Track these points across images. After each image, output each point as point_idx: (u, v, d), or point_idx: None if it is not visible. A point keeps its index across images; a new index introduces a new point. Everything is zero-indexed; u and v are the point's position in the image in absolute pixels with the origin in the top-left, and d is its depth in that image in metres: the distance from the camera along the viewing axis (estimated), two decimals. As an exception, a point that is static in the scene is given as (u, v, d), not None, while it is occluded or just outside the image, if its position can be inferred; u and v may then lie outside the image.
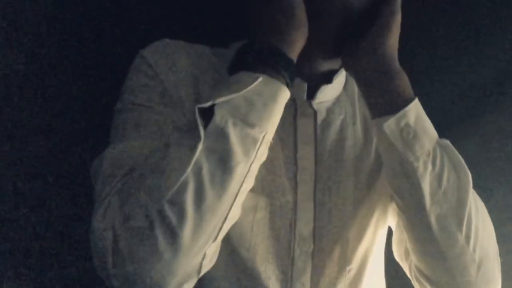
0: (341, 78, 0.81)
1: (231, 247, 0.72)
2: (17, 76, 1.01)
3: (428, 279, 0.75)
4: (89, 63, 1.04)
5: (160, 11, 1.05)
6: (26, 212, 1.03)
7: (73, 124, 1.04)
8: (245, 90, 0.60)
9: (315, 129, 0.79)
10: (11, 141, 1.02)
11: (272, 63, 0.63)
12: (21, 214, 1.03)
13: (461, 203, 0.68)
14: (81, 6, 1.04)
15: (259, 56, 0.63)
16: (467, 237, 0.68)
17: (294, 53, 0.66)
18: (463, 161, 0.70)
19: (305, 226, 0.76)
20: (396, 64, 0.70)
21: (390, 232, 0.88)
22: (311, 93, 0.78)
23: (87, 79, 1.05)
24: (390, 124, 0.67)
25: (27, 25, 1.01)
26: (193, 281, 0.62)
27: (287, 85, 0.64)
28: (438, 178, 0.67)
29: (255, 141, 0.60)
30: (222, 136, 0.58)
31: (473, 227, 0.68)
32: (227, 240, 0.65)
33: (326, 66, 0.77)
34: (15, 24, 1.01)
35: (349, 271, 0.80)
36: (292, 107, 0.77)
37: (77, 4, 1.04)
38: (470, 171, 0.70)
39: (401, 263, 0.87)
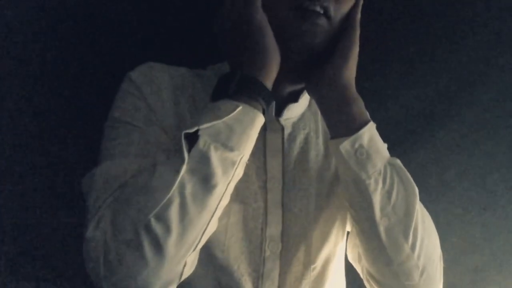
0: (305, 97, 0.83)
1: (207, 249, 0.72)
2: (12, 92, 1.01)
3: (376, 281, 0.77)
4: (81, 83, 1.05)
5: (146, 36, 1.06)
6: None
7: (69, 135, 1.05)
8: (226, 118, 0.62)
9: (283, 143, 0.81)
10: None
11: (250, 92, 0.65)
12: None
13: (408, 216, 0.69)
14: (75, 28, 1.05)
15: (239, 86, 0.65)
16: (413, 246, 0.70)
17: (269, 81, 0.67)
18: (411, 177, 0.72)
19: (274, 229, 0.78)
20: (353, 91, 0.72)
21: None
22: (279, 111, 0.79)
23: (81, 96, 1.05)
24: (345, 145, 0.69)
25: (23, 44, 1.01)
26: (175, 285, 0.64)
27: (263, 112, 0.66)
28: (388, 194, 0.69)
29: (233, 163, 0.62)
30: (204, 159, 0.60)
31: (418, 237, 0.70)
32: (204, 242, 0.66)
33: (292, 87, 0.79)
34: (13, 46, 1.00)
35: (313, 269, 0.80)
36: None
37: (71, 26, 1.04)
38: (418, 182, 0.72)
39: (354, 265, 0.89)
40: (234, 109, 0.62)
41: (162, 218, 0.58)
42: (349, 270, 0.90)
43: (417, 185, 0.72)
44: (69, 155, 1.03)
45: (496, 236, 1.25)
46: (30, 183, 1.03)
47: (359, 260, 0.84)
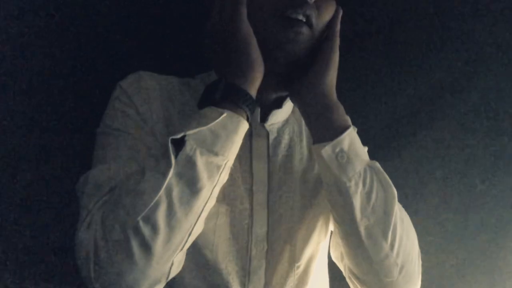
0: (289, 103, 0.83)
1: (197, 249, 0.73)
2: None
3: (358, 278, 0.78)
4: (74, 92, 1.06)
5: (137, 46, 1.07)
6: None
7: (63, 142, 1.06)
8: (211, 124, 0.62)
9: (268, 147, 0.81)
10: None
11: (235, 100, 0.65)
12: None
13: (387, 216, 0.70)
14: (70, 40, 1.05)
15: (224, 94, 0.65)
16: (392, 245, 0.71)
17: (253, 89, 0.68)
18: (389, 180, 0.72)
19: (260, 229, 0.78)
20: (334, 98, 0.73)
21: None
22: (264, 116, 0.80)
23: (74, 104, 1.06)
24: (327, 149, 0.70)
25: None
26: (162, 284, 0.65)
27: (247, 119, 0.67)
28: (367, 195, 0.70)
29: (218, 167, 0.63)
30: (190, 163, 0.60)
31: (397, 236, 0.71)
32: (193, 242, 0.67)
33: (276, 94, 0.80)
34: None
35: (298, 267, 0.81)
36: (248, 129, 0.80)
37: (66, 38, 1.05)
38: (398, 184, 0.73)
39: (337, 264, 0.89)
40: (219, 116, 0.63)
41: (150, 220, 0.58)
42: (332, 268, 0.91)
43: (397, 187, 0.72)
44: (66, 159, 1.04)
45: (474, 235, 1.26)
46: (28, 185, 1.04)
47: (342, 259, 0.86)
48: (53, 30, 1.04)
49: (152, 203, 0.58)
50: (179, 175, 0.60)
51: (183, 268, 0.68)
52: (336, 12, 0.75)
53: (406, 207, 0.77)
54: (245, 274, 0.77)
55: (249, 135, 0.79)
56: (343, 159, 0.70)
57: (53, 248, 1.05)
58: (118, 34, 1.07)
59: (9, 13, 1.01)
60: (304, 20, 0.70)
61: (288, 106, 0.84)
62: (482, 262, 1.27)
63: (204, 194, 0.62)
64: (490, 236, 1.26)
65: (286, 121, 0.85)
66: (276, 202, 0.80)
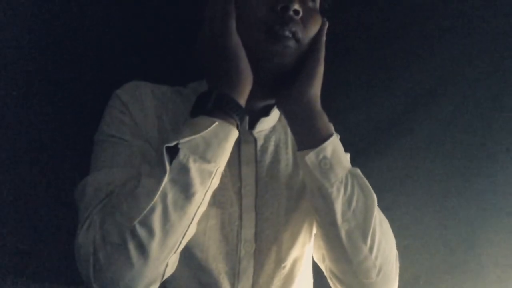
0: (276, 111, 0.85)
1: (189, 250, 0.74)
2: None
3: (338, 279, 0.80)
4: (72, 100, 1.07)
5: (132, 57, 1.09)
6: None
7: (61, 149, 1.07)
8: (204, 132, 0.64)
9: (255, 153, 0.83)
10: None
11: (226, 109, 0.67)
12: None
13: (366, 221, 0.72)
14: (68, 49, 1.07)
15: (216, 103, 0.67)
16: (371, 248, 0.72)
17: (243, 99, 0.70)
18: (369, 186, 0.74)
19: (248, 231, 0.79)
20: (318, 107, 0.75)
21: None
22: (252, 124, 0.82)
23: (72, 112, 1.07)
24: (310, 156, 0.72)
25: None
26: (157, 284, 0.67)
27: (237, 127, 0.69)
28: (348, 200, 0.72)
29: (210, 173, 0.65)
30: (184, 170, 0.62)
31: (376, 240, 0.73)
32: (186, 244, 0.68)
33: (264, 103, 0.82)
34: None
35: (284, 268, 0.82)
36: None
37: (64, 47, 1.06)
38: (378, 189, 0.75)
39: (319, 264, 0.91)
40: (211, 125, 0.65)
41: (146, 224, 0.60)
42: (316, 268, 0.92)
43: (376, 192, 0.75)
44: (64, 165, 1.05)
45: (450, 239, 1.29)
46: (27, 191, 1.05)
47: (323, 260, 0.87)
48: (51, 38, 1.05)
49: (148, 208, 0.60)
50: (173, 181, 0.62)
51: (176, 268, 0.70)
52: (322, 25, 0.77)
53: (385, 211, 0.79)
54: (235, 274, 0.79)
55: (237, 142, 0.79)
56: (326, 166, 0.72)
57: (53, 248, 1.06)
58: (115, 44, 1.08)
59: (6, 19, 1.01)
60: (291, 36, 0.72)
61: (275, 114, 0.86)
62: (458, 263, 1.29)
63: (197, 198, 0.64)
64: (465, 238, 1.29)
65: (273, 129, 0.87)
66: (263, 205, 0.81)
